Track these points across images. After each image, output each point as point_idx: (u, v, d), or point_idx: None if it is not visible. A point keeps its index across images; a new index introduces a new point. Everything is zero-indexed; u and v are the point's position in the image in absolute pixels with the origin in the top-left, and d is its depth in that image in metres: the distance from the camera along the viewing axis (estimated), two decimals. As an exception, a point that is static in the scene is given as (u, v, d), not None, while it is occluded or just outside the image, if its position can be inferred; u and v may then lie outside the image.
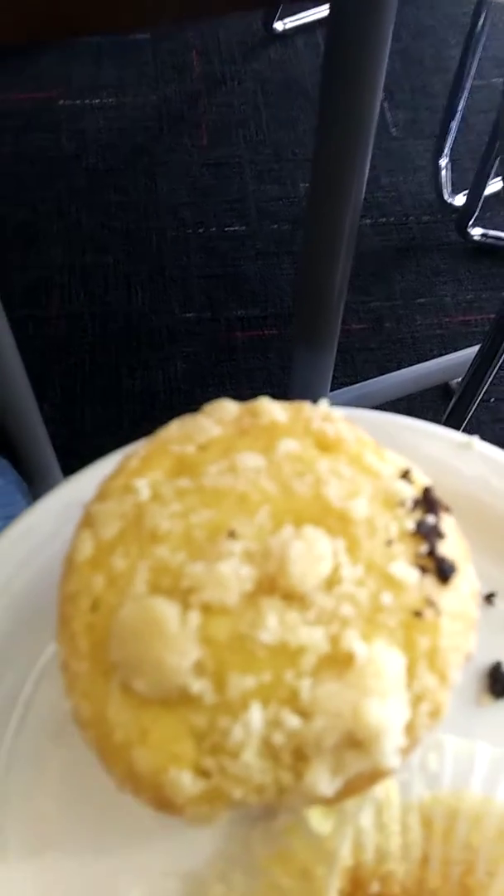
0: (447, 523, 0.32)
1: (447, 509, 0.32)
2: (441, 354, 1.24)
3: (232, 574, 0.29)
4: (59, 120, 1.57)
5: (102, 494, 0.34)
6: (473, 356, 0.93)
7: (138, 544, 0.31)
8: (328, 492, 0.31)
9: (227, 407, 0.36)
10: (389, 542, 0.30)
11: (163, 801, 0.29)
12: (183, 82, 1.64)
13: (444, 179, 1.43)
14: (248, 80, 1.64)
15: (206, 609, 0.29)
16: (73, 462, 0.50)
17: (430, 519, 0.31)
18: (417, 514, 0.31)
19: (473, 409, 0.96)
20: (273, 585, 0.29)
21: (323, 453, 0.33)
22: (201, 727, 0.28)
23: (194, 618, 0.29)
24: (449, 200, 1.44)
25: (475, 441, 0.42)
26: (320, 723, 0.27)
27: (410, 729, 0.29)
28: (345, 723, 0.27)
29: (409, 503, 0.31)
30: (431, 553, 0.30)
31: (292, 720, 0.28)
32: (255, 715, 0.28)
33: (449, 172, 1.43)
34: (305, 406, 0.35)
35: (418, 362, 1.20)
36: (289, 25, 1.72)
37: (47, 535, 0.42)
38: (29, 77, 1.63)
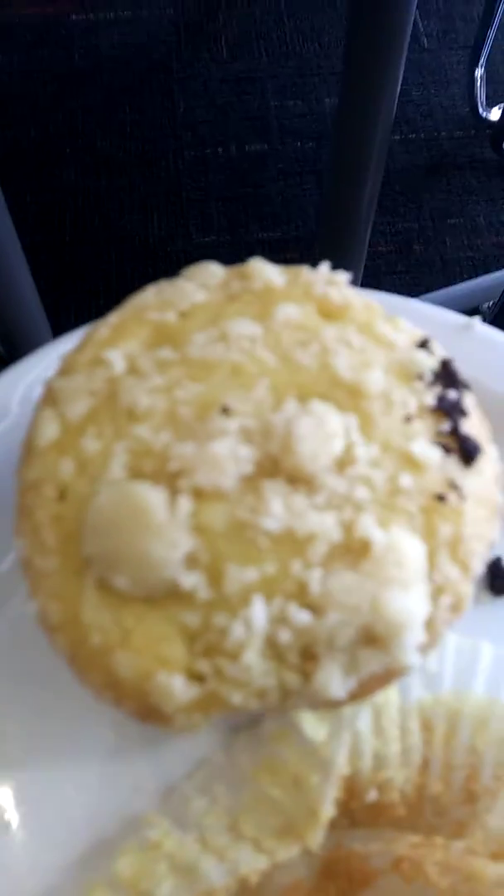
0: (469, 400, 0.28)
1: (467, 386, 0.29)
2: (471, 278, 1.19)
3: (228, 454, 0.25)
4: (72, 35, 1.43)
5: (67, 368, 0.29)
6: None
7: (113, 424, 0.27)
8: (337, 363, 0.27)
9: (212, 269, 0.31)
10: (408, 419, 0.26)
11: (149, 710, 0.25)
12: (201, -8, 1.49)
13: (479, 92, 1.31)
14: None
15: (199, 494, 0.25)
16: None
17: (452, 394, 0.27)
18: (438, 389, 0.27)
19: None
20: (276, 467, 0.25)
21: (328, 321, 0.29)
22: (194, 626, 0.25)
23: (185, 504, 0.25)
24: (484, 115, 1.32)
25: (476, 322, 0.38)
26: (334, 618, 0.24)
27: (431, 624, 0.26)
28: (362, 617, 0.24)
29: (429, 376, 0.27)
30: (454, 431, 0.27)
31: (301, 616, 0.24)
32: (258, 611, 0.24)
33: (484, 84, 1.31)
34: (304, 270, 0.30)
35: (447, 286, 1.15)
36: None
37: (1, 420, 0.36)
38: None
